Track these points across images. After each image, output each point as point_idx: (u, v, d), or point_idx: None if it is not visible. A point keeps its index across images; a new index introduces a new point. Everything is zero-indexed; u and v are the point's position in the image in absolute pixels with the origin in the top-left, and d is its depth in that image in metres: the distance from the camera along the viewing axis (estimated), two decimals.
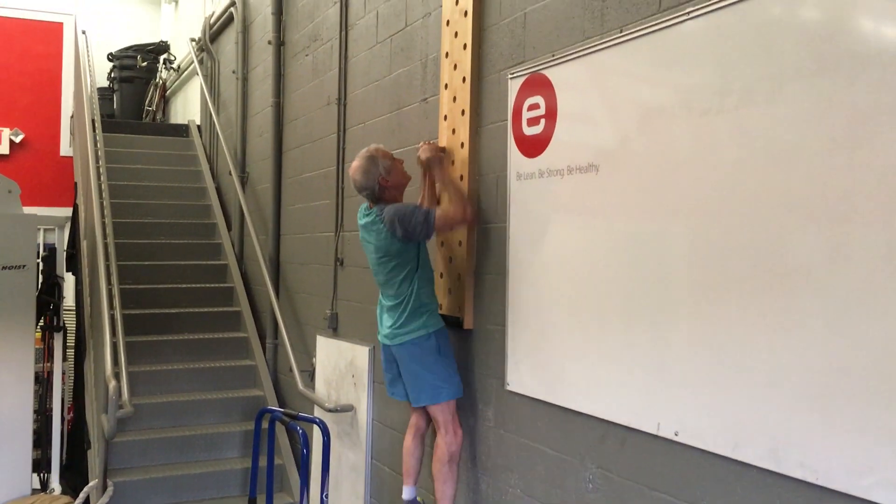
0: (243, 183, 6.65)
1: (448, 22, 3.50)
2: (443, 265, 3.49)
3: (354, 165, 3.32)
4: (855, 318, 1.82)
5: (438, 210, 3.19)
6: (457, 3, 3.45)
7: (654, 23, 2.40)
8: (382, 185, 3.28)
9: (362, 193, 3.34)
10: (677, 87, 2.32)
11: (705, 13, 2.21)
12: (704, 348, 2.21)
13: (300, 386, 4.80)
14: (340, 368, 4.59)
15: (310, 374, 5.00)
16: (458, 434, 3.22)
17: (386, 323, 3.33)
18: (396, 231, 3.14)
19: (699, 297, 2.23)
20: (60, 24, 8.60)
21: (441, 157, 3.34)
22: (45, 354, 6.02)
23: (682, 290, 2.29)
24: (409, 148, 3.82)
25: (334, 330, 4.81)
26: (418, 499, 3.49)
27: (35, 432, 5.50)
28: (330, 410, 4.46)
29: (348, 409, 4.42)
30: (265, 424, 4.84)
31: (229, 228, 6.99)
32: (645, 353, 2.41)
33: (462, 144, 3.35)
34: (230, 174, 6.65)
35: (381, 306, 3.38)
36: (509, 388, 3.07)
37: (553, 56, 2.86)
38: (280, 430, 5.12)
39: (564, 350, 2.78)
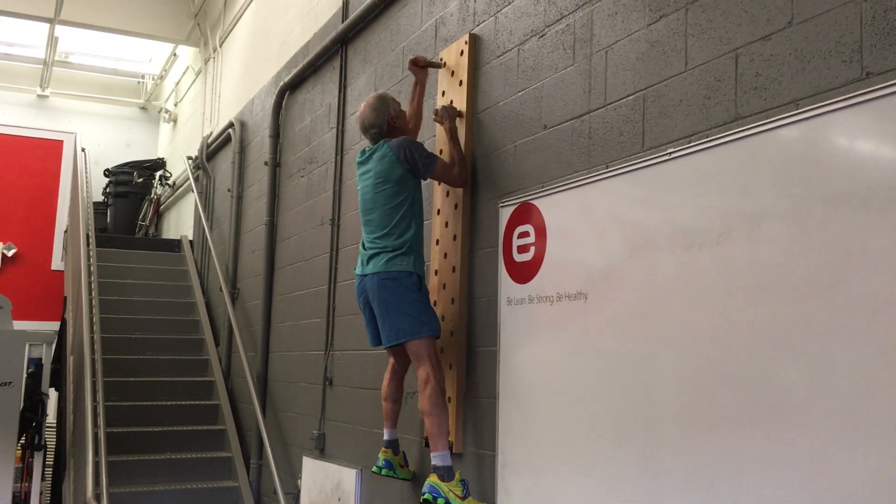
0: (234, 299, 6.69)
1: (441, 151, 3.66)
2: None
3: (364, 105, 3.47)
4: (837, 452, 1.86)
5: (441, 159, 3.39)
6: None
7: (637, 161, 2.54)
8: (391, 125, 3.43)
9: (369, 133, 3.45)
10: (662, 220, 2.43)
11: (686, 154, 2.35)
12: (694, 477, 2.22)
13: None
14: (326, 491, 4.50)
15: (294, 497, 4.89)
16: (441, 370, 3.22)
17: (367, 253, 3.31)
18: (401, 153, 3.26)
19: (687, 425, 2.26)
20: (60, 143, 8.87)
21: (455, 113, 3.50)
22: (24, 474, 5.86)
23: (670, 418, 2.32)
24: None
25: (321, 451, 4.75)
26: (402, 450, 3.62)
27: None
28: None
29: None
30: None
31: (217, 344, 6.97)
32: (635, 481, 2.42)
33: (454, 268, 3.44)
34: (220, 290, 6.70)
35: (364, 244, 3.36)
36: None
37: (543, 186, 2.99)
38: None
39: (555, 476, 2.77)
